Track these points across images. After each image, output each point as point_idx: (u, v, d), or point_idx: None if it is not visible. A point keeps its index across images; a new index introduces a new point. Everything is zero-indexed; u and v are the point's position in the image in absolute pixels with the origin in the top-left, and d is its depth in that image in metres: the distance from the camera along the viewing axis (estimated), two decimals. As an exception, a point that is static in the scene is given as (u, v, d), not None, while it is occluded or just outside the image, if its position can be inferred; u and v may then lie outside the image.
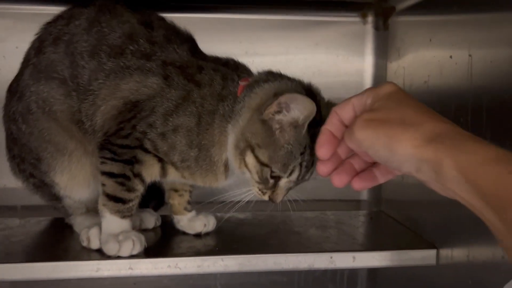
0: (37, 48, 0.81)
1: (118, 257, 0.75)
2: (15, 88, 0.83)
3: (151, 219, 0.92)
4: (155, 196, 0.94)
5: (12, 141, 0.85)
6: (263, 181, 0.72)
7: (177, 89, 0.75)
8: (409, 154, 0.45)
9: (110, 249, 0.75)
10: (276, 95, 0.69)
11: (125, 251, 0.75)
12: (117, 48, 0.77)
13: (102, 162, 0.77)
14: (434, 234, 0.85)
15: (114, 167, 0.76)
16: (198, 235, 0.87)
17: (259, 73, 0.79)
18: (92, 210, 0.85)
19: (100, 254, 0.77)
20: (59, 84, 0.79)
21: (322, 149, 0.54)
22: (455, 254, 0.78)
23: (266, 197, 0.74)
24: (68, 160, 0.81)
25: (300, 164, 0.70)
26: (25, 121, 0.80)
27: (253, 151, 0.71)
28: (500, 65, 0.67)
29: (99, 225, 0.79)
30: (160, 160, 0.77)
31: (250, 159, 0.71)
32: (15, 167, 0.86)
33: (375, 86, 0.53)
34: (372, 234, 1.01)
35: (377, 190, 1.12)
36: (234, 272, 0.78)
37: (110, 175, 0.76)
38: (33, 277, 0.74)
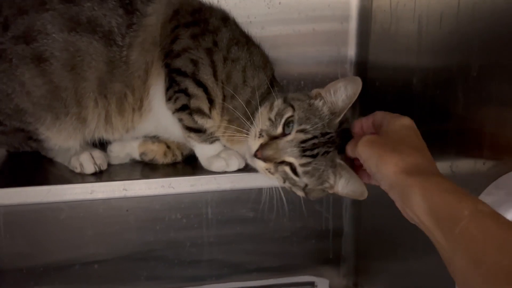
0: None
1: (112, 179, 0.76)
2: (4, 20, 0.76)
3: None
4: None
5: None
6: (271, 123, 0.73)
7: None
8: (387, 175, 0.58)
9: (218, 166, 0.79)
10: None
11: (233, 166, 0.79)
12: None
13: (171, 99, 0.79)
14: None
15: (181, 100, 0.78)
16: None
17: None
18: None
19: (92, 178, 0.78)
20: (100, 38, 0.77)
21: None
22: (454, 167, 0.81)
23: (256, 144, 0.73)
24: (61, 119, 0.79)
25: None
26: (25, 69, 0.76)
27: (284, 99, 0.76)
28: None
29: (87, 150, 0.80)
30: (210, 100, 0.79)
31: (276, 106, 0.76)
32: None
33: (399, 115, 0.66)
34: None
35: (361, 106, 1.13)
36: (226, 190, 0.80)
37: (182, 108, 0.79)
38: (28, 201, 0.74)
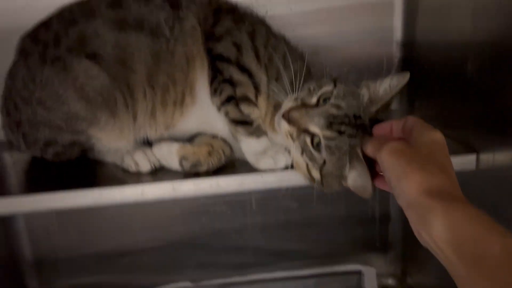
0: (111, 3, 0.80)
1: (160, 180, 0.76)
2: (55, 35, 0.78)
3: None
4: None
5: (27, 98, 0.78)
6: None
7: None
8: (408, 192, 0.54)
9: (266, 164, 0.78)
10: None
11: (280, 163, 0.78)
12: None
13: (216, 91, 0.79)
14: (473, 138, 0.83)
15: (226, 91, 0.78)
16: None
17: None
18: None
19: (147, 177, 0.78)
20: (148, 33, 0.79)
21: (376, 129, 0.69)
22: (497, 157, 0.77)
23: (287, 105, 0.72)
24: (115, 118, 0.80)
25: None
26: (79, 71, 0.76)
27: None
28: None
29: (140, 148, 0.81)
30: (255, 86, 0.79)
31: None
32: (18, 137, 0.82)
33: (431, 127, 0.60)
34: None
35: (409, 95, 1.08)
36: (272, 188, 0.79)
37: (227, 100, 0.78)
38: (79, 204, 0.74)
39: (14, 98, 0.79)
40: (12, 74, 0.81)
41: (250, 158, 0.80)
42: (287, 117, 0.70)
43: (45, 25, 0.81)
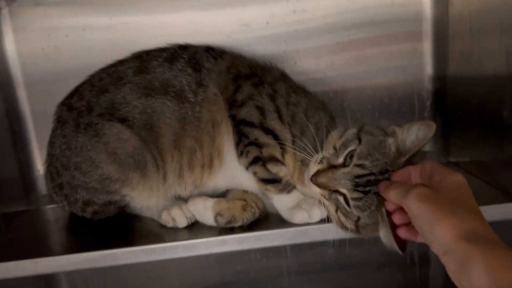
0: (137, 69, 0.84)
1: (199, 237, 0.77)
2: (87, 103, 0.83)
3: None
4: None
5: (65, 164, 0.83)
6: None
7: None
8: (443, 239, 0.52)
9: (301, 218, 0.78)
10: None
11: (315, 217, 0.78)
12: None
13: (242, 153, 0.81)
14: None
15: (252, 153, 0.80)
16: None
17: None
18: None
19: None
20: (172, 97, 0.82)
21: (394, 177, 0.69)
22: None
23: (314, 168, 0.73)
24: (146, 179, 0.82)
25: None
26: (111, 137, 0.80)
27: None
28: None
29: (176, 204, 0.83)
30: (281, 146, 0.80)
31: None
32: (61, 197, 0.86)
33: (451, 170, 0.60)
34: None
35: (444, 138, 1.07)
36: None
37: (254, 161, 0.80)
38: (119, 263, 0.76)
39: (55, 164, 0.85)
40: (51, 142, 0.87)
41: (285, 214, 0.80)
42: (314, 181, 0.72)
43: (78, 92, 0.86)
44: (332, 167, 0.72)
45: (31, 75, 1.00)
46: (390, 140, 0.72)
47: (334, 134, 0.77)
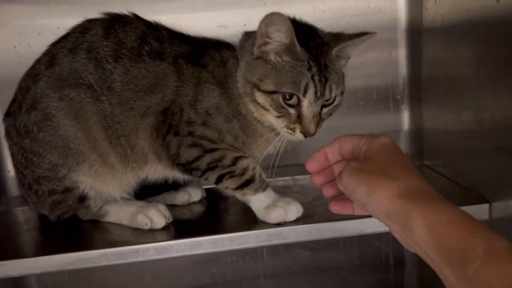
0: (47, 63, 0.83)
1: (176, 238, 0.77)
2: (19, 104, 0.84)
3: (197, 192, 0.95)
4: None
5: (24, 164, 0.85)
6: (283, 112, 0.74)
7: (189, 79, 0.80)
8: (382, 202, 0.50)
9: (277, 216, 0.78)
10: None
11: (292, 213, 0.79)
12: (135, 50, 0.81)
13: (206, 179, 0.82)
14: (485, 187, 0.82)
15: (214, 175, 0.81)
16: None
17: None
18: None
19: (153, 236, 0.78)
20: (86, 88, 0.81)
21: (310, 164, 0.63)
22: (510, 206, 0.76)
23: (298, 134, 0.74)
24: (89, 163, 0.82)
25: (312, 79, 0.72)
26: (42, 128, 0.81)
27: (258, 88, 0.74)
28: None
29: (152, 206, 0.82)
30: (234, 148, 0.81)
31: (259, 97, 0.75)
32: (33, 197, 0.87)
33: (374, 134, 0.58)
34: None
35: (418, 143, 1.09)
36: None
37: (219, 179, 0.81)
38: (92, 265, 0.75)
39: (21, 171, 0.87)
40: (12, 153, 0.89)
41: (261, 214, 0.80)
42: (313, 133, 0.75)
43: (13, 99, 0.87)
44: (298, 118, 0.74)
45: (2, 73, 0.98)
46: (273, 59, 0.73)
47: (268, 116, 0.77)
